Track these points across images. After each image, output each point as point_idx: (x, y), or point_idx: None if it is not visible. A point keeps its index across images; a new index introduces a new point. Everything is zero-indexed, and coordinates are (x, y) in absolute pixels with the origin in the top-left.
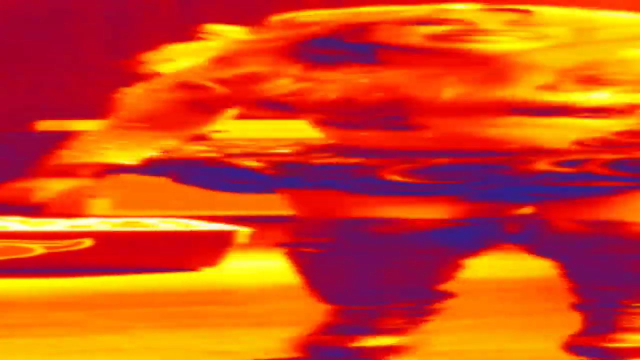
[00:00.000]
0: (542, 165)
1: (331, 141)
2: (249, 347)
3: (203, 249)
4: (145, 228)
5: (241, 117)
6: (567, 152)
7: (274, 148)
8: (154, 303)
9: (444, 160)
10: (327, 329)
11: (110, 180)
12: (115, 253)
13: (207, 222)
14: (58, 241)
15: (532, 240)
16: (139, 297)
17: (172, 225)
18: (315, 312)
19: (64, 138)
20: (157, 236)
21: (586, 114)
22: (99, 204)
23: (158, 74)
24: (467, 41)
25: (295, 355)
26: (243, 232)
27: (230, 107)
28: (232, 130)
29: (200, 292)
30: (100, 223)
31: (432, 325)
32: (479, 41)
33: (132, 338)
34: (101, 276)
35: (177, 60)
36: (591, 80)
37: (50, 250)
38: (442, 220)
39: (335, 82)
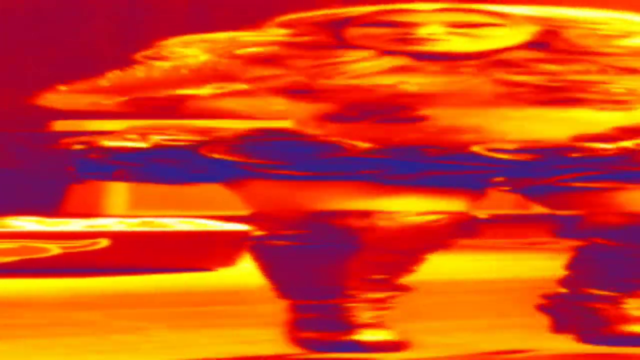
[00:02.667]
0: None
1: (322, 134)
2: (266, 347)
3: (219, 249)
4: (162, 228)
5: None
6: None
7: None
8: (171, 303)
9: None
10: (299, 324)
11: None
12: (132, 253)
13: (223, 222)
14: (74, 241)
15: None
16: (155, 297)
17: (189, 225)
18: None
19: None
20: (173, 236)
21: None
22: (116, 203)
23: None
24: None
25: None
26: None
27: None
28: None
29: (217, 292)
30: (117, 223)
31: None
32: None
33: (148, 338)
34: (117, 276)
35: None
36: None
37: (67, 251)
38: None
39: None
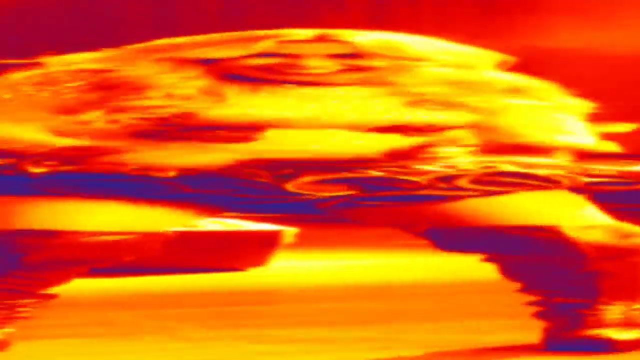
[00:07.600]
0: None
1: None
2: (295, 347)
3: (250, 249)
4: (193, 228)
5: None
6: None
7: None
8: (202, 303)
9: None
10: None
11: None
12: (162, 253)
13: (254, 222)
14: None
15: None
16: (186, 297)
17: (219, 226)
18: (366, 312)
19: None
20: (204, 236)
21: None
22: None
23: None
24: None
25: None
26: (290, 232)
27: None
28: None
29: (247, 292)
30: None
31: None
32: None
33: (178, 338)
34: (148, 276)
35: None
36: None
37: None
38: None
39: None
